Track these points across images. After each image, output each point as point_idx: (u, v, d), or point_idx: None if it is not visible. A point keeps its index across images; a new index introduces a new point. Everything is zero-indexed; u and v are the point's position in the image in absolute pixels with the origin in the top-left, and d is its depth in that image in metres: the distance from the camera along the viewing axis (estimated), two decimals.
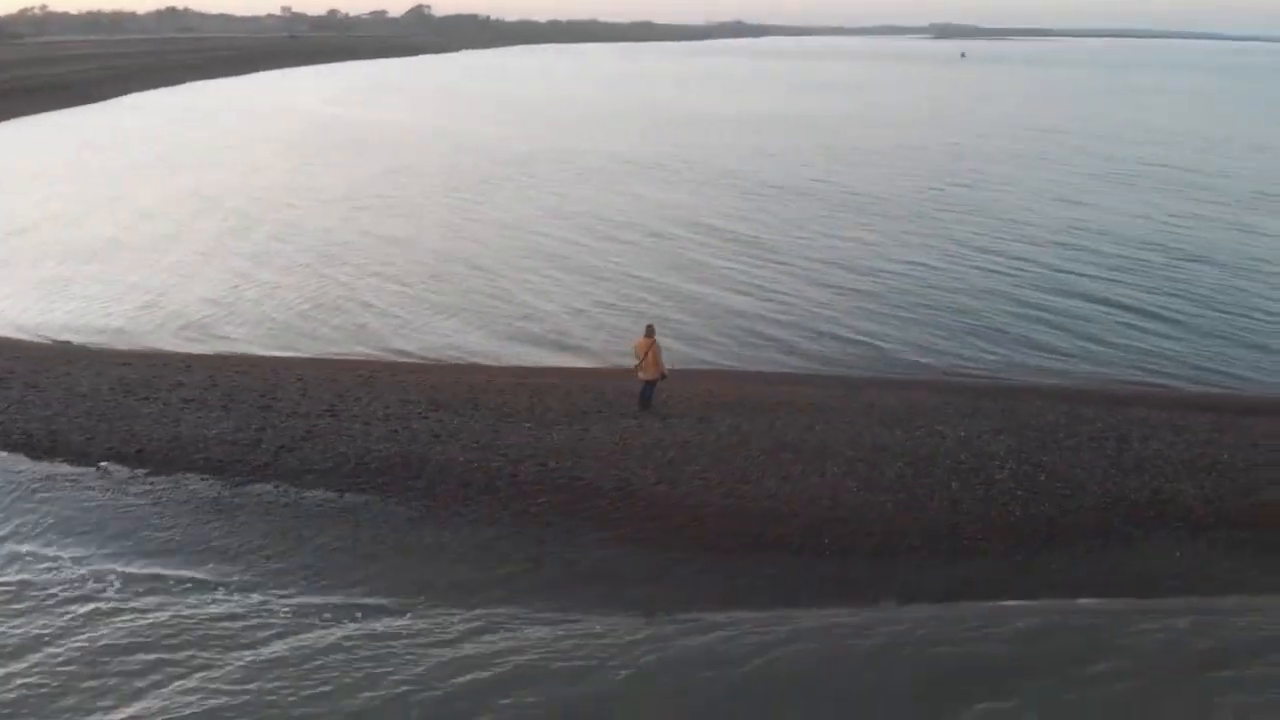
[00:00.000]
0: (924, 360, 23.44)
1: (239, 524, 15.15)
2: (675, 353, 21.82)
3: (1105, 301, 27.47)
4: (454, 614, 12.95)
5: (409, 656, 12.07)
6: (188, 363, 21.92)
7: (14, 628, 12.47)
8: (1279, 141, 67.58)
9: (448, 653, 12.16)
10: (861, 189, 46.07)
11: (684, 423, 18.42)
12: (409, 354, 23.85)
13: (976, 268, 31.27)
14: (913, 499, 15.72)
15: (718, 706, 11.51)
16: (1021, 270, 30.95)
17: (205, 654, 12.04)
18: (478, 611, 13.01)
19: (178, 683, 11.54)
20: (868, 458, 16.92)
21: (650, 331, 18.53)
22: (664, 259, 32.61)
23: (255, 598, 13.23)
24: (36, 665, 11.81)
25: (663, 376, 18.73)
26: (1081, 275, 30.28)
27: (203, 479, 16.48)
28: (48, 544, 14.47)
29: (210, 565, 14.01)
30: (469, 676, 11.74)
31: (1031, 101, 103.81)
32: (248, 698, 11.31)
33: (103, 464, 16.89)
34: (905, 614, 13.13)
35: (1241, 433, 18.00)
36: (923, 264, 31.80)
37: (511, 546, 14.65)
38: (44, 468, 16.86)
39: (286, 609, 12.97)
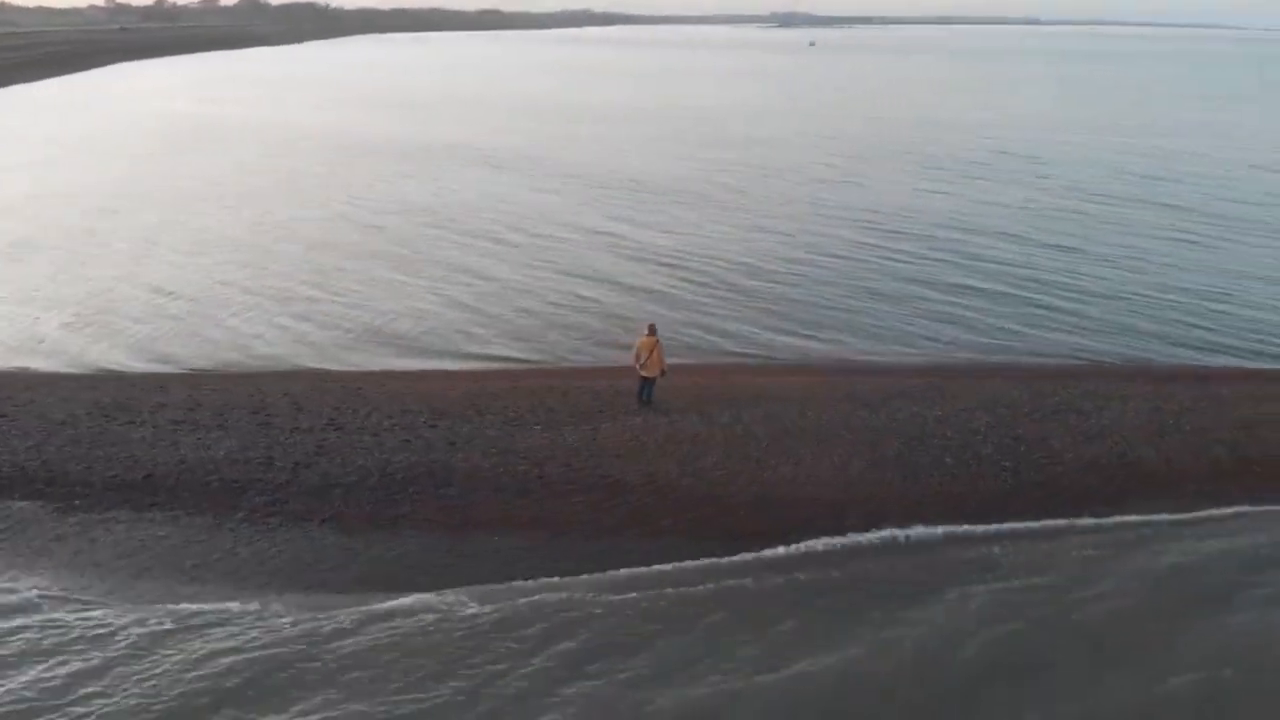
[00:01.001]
0: (864, 344, 24.96)
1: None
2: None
3: (1012, 286, 29.79)
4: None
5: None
6: (160, 383, 21.27)
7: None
8: (1124, 121, 73.40)
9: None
10: (748, 186, 47.62)
11: (686, 417, 19.33)
12: (357, 365, 23.44)
13: (886, 258, 32.97)
14: (916, 475, 17.20)
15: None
16: (924, 258, 32.95)
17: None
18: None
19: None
20: (865, 439, 18.31)
21: (653, 330, 19.33)
22: (535, 258, 32.86)
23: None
24: None
25: (662, 373, 19.59)
26: (953, 264, 32.23)
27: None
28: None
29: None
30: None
31: (902, 90, 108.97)
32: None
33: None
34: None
35: (1175, 399, 20.34)
36: (832, 256, 33.22)
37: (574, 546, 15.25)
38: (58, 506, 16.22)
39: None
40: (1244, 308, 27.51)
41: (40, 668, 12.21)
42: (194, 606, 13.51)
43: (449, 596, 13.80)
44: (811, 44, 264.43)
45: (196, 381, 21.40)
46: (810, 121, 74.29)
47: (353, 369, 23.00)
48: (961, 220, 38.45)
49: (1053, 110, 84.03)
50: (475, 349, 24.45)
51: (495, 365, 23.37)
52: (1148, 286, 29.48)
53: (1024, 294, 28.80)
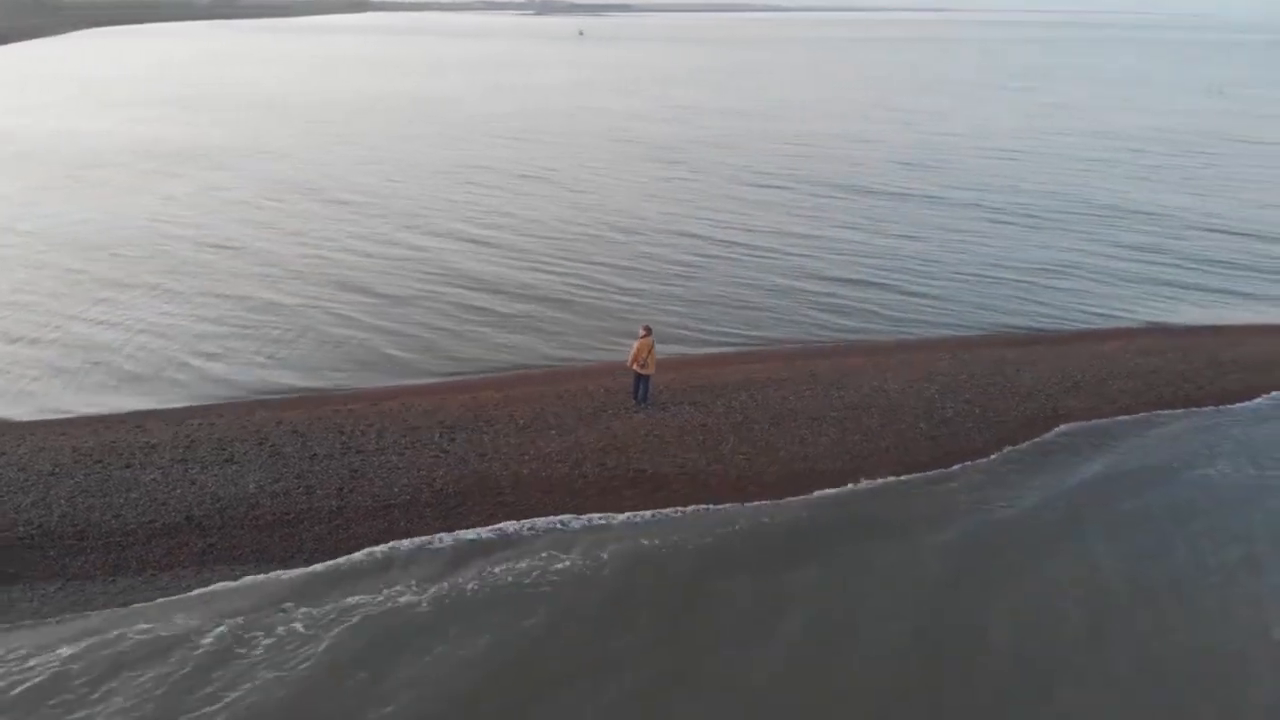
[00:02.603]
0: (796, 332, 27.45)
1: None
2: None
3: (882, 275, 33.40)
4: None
5: None
6: (136, 422, 20.32)
7: None
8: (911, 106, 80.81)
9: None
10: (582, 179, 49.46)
11: (683, 409, 20.96)
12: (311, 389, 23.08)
13: (749, 257, 35.81)
14: (902, 441, 19.77)
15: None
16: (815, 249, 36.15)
17: None
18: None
19: None
20: (849, 415, 20.72)
21: (648, 331, 20.76)
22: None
23: None
24: None
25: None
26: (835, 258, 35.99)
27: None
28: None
29: None
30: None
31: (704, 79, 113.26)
32: None
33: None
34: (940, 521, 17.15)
35: (1074, 357, 24.20)
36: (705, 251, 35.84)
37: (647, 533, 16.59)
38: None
39: None
40: (1071, 279, 32.28)
41: None
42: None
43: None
44: (581, 33, 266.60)
45: (174, 418, 20.60)
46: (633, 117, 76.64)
47: (316, 392, 22.72)
48: (764, 219, 41.95)
49: (794, 100, 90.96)
50: (416, 365, 24.47)
51: (466, 377, 23.81)
52: (978, 265, 33.80)
53: (880, 280, 31.64)
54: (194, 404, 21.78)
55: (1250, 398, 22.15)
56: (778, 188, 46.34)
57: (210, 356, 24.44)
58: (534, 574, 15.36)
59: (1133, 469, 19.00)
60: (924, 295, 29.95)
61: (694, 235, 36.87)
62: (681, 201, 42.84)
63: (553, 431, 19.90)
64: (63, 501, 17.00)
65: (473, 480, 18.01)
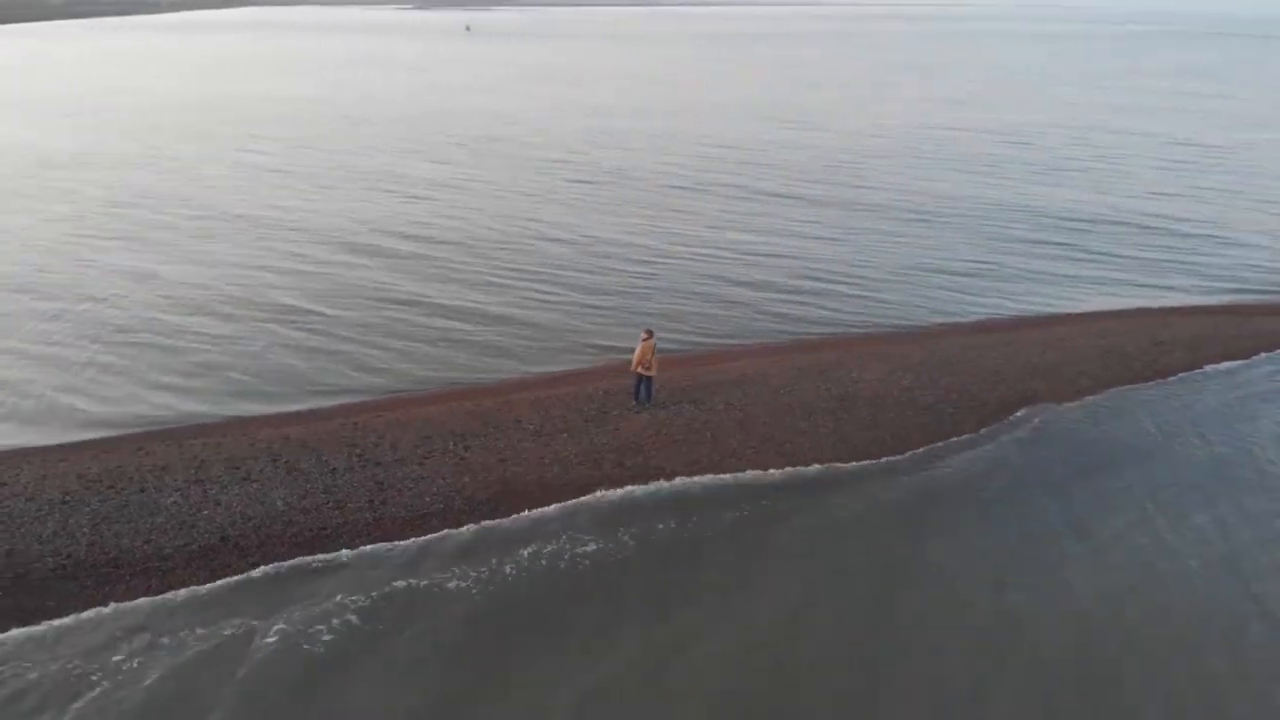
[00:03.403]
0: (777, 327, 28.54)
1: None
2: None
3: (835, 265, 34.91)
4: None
5: None
6: (137, 443, 19.87)
7: None
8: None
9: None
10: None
11: (683, 408, 21.76)
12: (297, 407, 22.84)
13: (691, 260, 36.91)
14: (897, 429, 21.06)
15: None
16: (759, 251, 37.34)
17: None
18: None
19: None
20: (841, 406, 21.90)
21: (650, 334, 21.44)
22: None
23: None
24: None
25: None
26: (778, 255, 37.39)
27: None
28: None
29: None
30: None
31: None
32: None
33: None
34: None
35: (1028, 343, 26.03)
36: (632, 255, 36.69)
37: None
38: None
39: None
40: (991, 272, 34.48)
41: None
42: None
43: None
44: (468, 29, 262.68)
45: (173, 439, 20.22)
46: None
47: (306, 410, 22.52)
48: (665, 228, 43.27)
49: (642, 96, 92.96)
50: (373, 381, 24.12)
51: (457, 385, 23.99)
52: (900, 265, 35.80)
53: (821, 279, 32.71)
54: (186, 423, 21.40)
55: (1190, 370, 24.40)
56: (692, 189, 47.06)
57: (187, 376, 23.98)
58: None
59: (1102, 442, 20.77)
60: (863, 294, 31.18)
61: (624, 243, 36.77)
62: (602, 209, 42.86)
63: (564, 435, 20.42)
64: (86, 529, 16.65)
65: (499, 486, 18.40)
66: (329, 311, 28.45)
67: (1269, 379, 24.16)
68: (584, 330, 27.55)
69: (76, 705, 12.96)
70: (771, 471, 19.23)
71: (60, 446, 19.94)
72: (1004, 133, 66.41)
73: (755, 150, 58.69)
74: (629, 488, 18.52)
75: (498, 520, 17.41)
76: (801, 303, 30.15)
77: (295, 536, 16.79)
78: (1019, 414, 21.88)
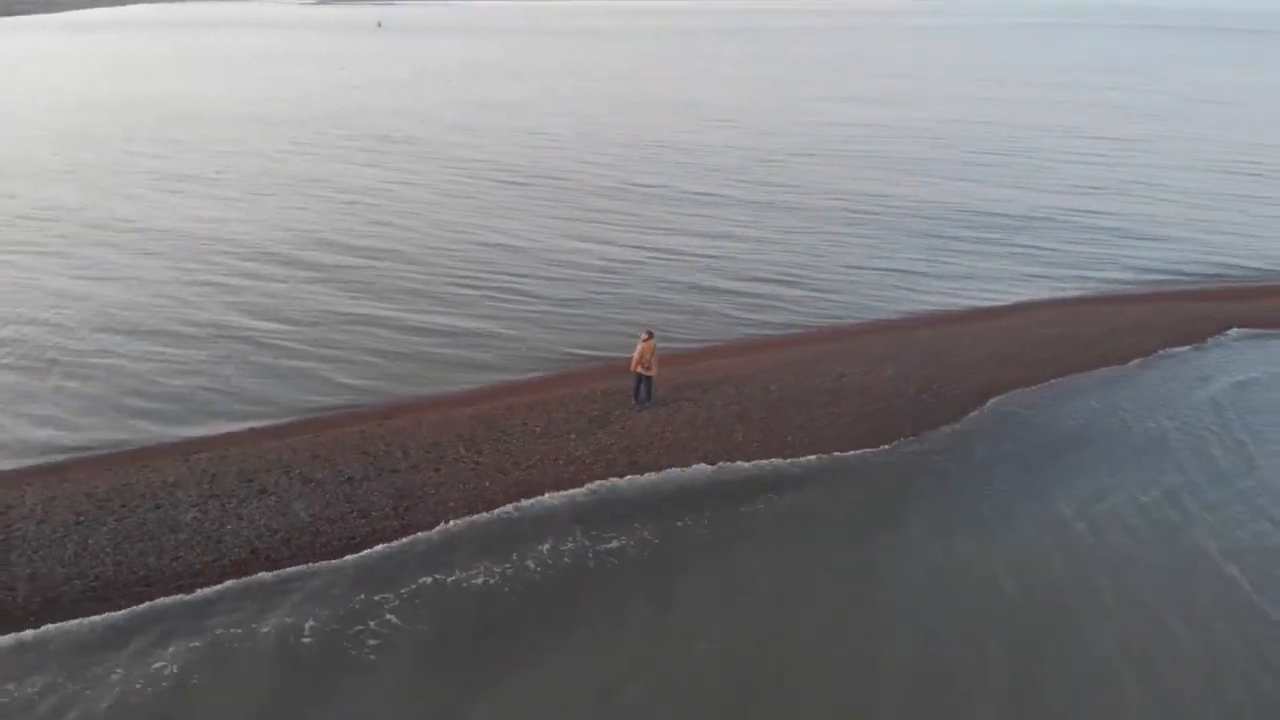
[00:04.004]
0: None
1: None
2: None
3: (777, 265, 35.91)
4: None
5: None
6: (140, 460, 19.50)
7: None
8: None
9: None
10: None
11: (683, 405, 22.36)
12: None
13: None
14: (887, 417, 22.08)
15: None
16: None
17: None
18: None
19: None
20: (833, 399, 22.82)
21: (650, 335, 21.95)
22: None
23: None
24: None
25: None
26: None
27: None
28: None
29: None
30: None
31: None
32: None
33: None
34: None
35: (989, 333, 27.45)
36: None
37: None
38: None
39: None
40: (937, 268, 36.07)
41: None
42: None
43: None
44: (379, 25, 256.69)
45: (176, 453, 19.88)
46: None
47: (303, 420, 22.30)
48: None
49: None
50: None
51: (450, 391, 24.04)
52: (838, 265, 37.13)
53: (774, 278, 34.12)
54: (188, 437, 21.05)
55: (1146, 354, 26.18)
56: (621, 190, 47.58)
57: (163, 400, 23.46)
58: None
59: (1070, 423, 22.23)
60: (817, 293, 31.77)
61: (570, 249, 36.32)
62: (539, 213, 42.52)
63: (572, 436, 20.82)
64: (108, 549, 16.40)
65: (521, 489, 18.74)
66: (285, 327, 27.48)
67: (1221, 362, 26.05)
68: (544, 339, 27.22)
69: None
70: (774, 461, 20.06)
71: (57, 466, 19.44)
72: (918, 130, 68.54)
73: (687, 150, 59.54)
74: (648, 475, 19.21)
75: (519, 518, 17.82)
76: (761, 304, 30.55)
77: (325, 548, 16.85)
78: (995, 400, 23.18)
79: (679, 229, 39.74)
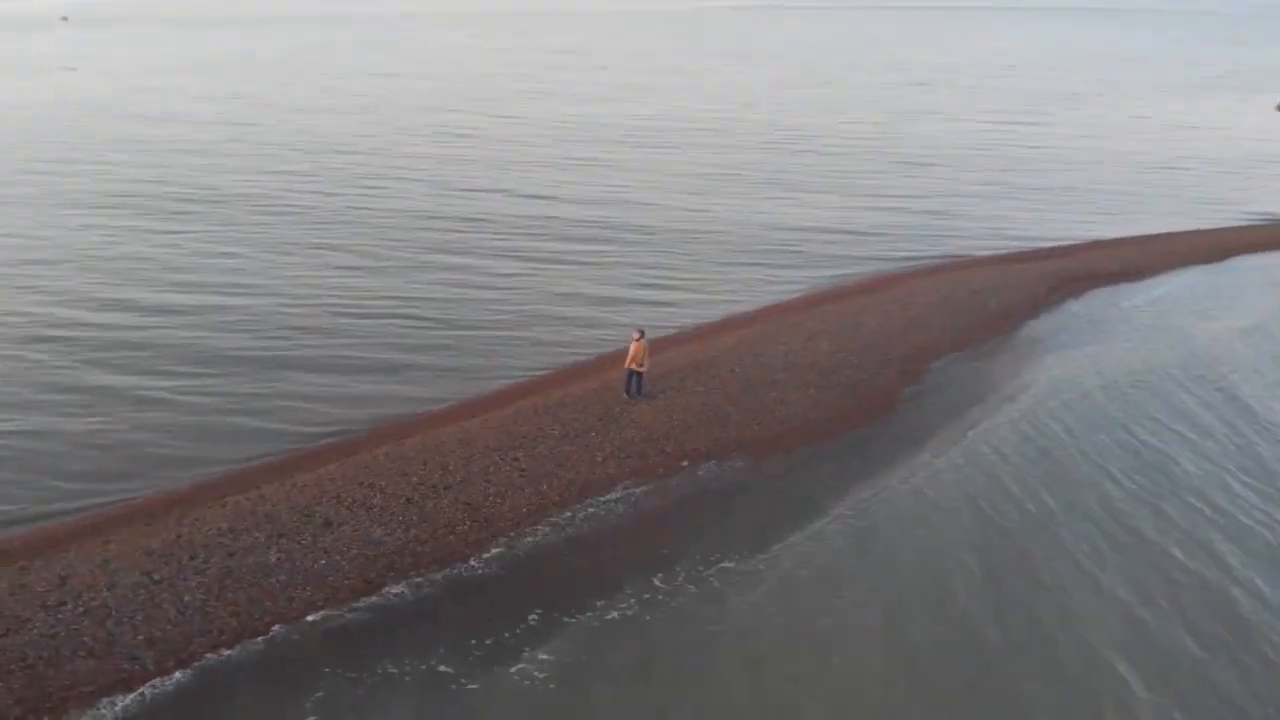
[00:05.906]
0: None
1: None
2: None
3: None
4: None
5: None
6: (174, 512, 18.68)
7: None
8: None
9: None
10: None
11: (671, 395, 24.13)
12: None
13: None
14: (851, 390, 25.09)
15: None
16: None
17: None
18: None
19: None
20: (796, 378, 25.44)
21: (642, 334, 23.55)
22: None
23: None
24: None
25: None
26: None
27: None
28: None
29: None
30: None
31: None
32: None
33: None
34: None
35: (885, 304, 31.28)
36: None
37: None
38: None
39: None
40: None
41: None
42: None
43: None
44: (65, 19, 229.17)
45: (203, 500, 19.23)
46: None
47: (322, 447, 22.07)
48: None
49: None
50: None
51: (445, 407, 24.36)
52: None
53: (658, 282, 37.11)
54: (200, 483, 20.36)
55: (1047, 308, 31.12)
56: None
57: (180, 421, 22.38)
58: None
59: (1006, 377, 26.41)
60: (701, 293, 34.19)
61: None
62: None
63: (593, 434, 22.19)
64: (213, 602, 16.12)
65: (579, 487, 20.01)
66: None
67: (1106, 307, 32.02)
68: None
69: None
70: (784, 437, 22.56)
71: (80, 526, 18.36)
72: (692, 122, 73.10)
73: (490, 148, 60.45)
74: (703, 463, 21.16)
75: (593, 514, 19.22)
76: (655, 305, 31.99)
77: (431, 561, 17.45)
78: (938, 363, 26.85)
79: (537, 236, 41.25)
